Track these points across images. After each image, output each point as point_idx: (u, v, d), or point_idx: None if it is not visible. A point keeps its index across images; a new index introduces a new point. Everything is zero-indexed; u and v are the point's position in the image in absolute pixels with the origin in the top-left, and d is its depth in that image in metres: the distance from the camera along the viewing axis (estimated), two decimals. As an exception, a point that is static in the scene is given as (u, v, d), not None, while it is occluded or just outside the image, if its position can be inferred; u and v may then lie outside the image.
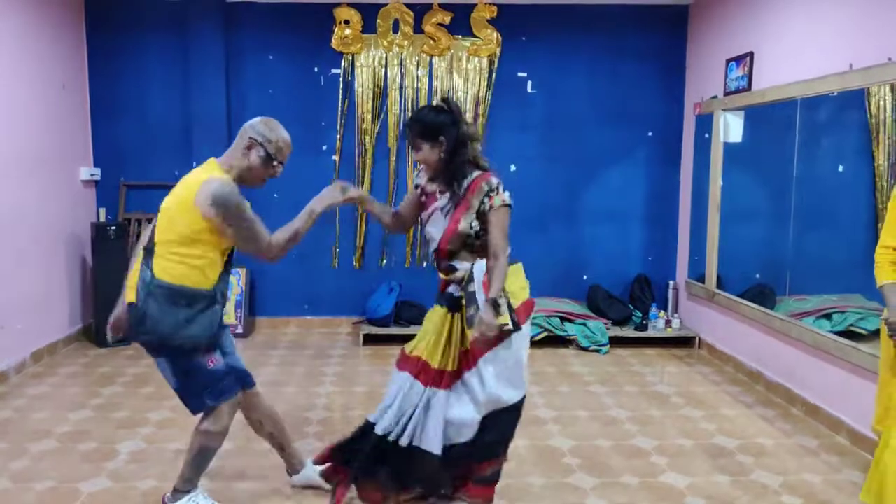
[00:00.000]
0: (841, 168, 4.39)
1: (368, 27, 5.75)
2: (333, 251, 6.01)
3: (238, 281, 5.83)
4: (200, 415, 2.78)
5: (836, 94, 3.95)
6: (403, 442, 2.71)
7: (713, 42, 5.40)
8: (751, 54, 4.78)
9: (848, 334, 3.90)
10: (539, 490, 3.19)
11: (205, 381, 2.69)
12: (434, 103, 2.77)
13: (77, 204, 5.63)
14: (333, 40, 5.75)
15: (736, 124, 5.12)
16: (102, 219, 5.83)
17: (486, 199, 2.66)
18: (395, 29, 5.77)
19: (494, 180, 2.69)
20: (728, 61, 5.08)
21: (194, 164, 5.63)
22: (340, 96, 5.84)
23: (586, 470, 3.39)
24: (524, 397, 2.83)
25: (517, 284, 2.81)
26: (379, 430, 2.75)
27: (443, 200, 2.76)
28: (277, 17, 5.78)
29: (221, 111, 5.74)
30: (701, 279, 5.50)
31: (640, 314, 5.79)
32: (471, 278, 2.68)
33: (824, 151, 4.42)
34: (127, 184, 5.90)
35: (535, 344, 5.47)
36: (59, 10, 5.36)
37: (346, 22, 5.71)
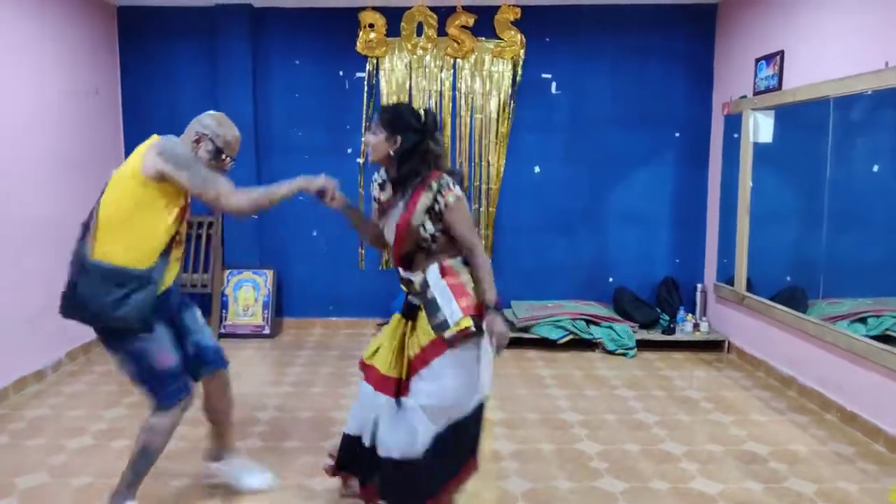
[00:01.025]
0: (876, 168, 4.29)
1: (393, 30, 5.75)
2: (359, 253, 6.03)
3: (265, 282, 5.90)
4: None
5: (870, 92, 3.86)
6: (372, 445, 2.69)
7: (742, 41, 5.33)
8: (781, 53, 4.70)
9: (884, 338, 3.80)
10: (566, 494, 3.16)
11: (157, 378, 2.70)
12: (416, 108, 2.69)
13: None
14: (358, 44, 5.76)
15: (766, 124, 5.04)
16: (133, 222, 5.90)
17: (438, 198, 2.55)
18: (420, 32, 5.77)
19: (446, 178, 2.58)
20: (757, 60, 5.00)
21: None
22: (365, 99, 5.85)
23: (614, 474, 3.35)
24: (481, 405, 2.68)
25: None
26: (348, 431, 2.78)
27: (395, 205, 2.66)
28: (303, 22, 5.83)
29: (248, 115, 5.80)
30: (730, 282, 5.41)
31: (667, 317, 5.72)
32: (426, 284, 2.60)
33: (858, 151, 4.32)
34: (155, 187, 5.97)
35: (560, 347, 5.45)
36: (92, 19, 5.47)
37: (371, 25, 5.72)
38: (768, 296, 4.95)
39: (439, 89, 5.84)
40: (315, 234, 6.00)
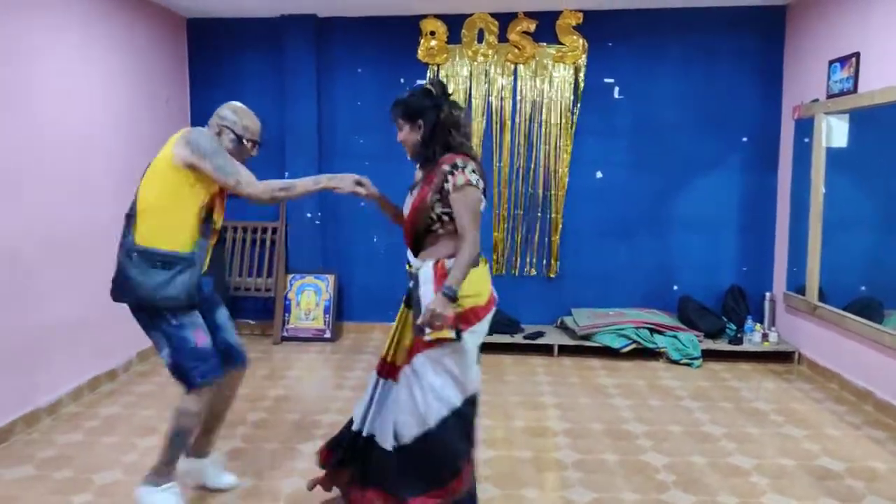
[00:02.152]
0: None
1: (454, 38, 5.79)
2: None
3: (327, 286, 5.98)
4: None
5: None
6: (365, 432, 2.73)
7: (813, 43, 5.16)
8: (857, 55, 4.54)
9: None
10: (632, 507, 3.10)
11: (193, 358, 2.78)
12: (424, 86, 2.71)
13: (177, 212, 5.89)
14: (419, 51, 5.82)
15: (840, 128, 4.86)
16: (199, 227, 6.07)
17: (449, 178, 2.55)
18: (480, 38, 5.78)
19: (461, 161, 2.58)
20: (831, 62, 4.84)
21: (286, 174, 5.87)
22: (426, 106, 5.88)
23: (682, 487, 3.26)
24: (458, 410, 2.60)
25: (471, 289, 2.56)
26: (354, 426, 2.83)
27: (419, 185, 2.71)
28: (366, 31, 5.91)
29: (313, 123, 5.92)
30: (801, 291, 5.23)
31: (734, 327, 5.57)
32: (418, 281, 2.58)
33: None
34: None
35: (623, 356, 5.37)
36: (164, 31, 5.68)
37: (432, 33, 5.77)
38: (841, 305, 4.77)
39: (500, 95, 5.83)
40: (375, 239, 6.06)
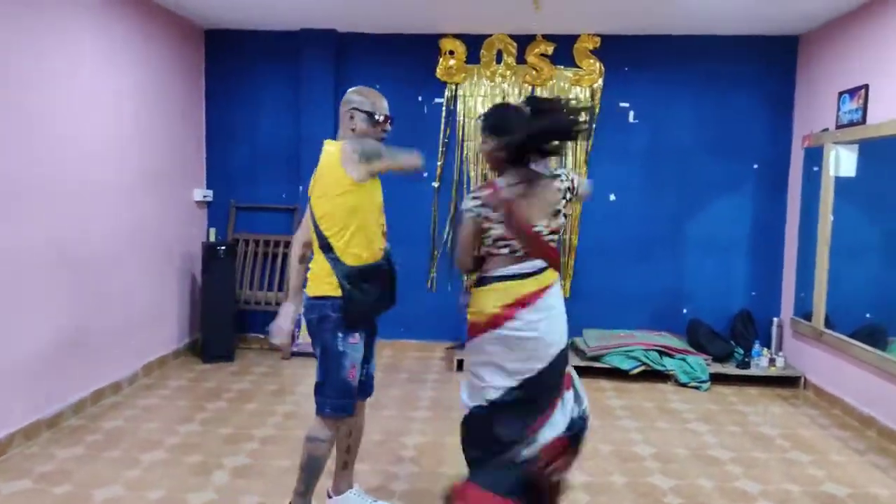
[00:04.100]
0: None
1: (472, 57, 5.88)
2: (430, 274, 6.12)
3: (338, 302, 6.00)
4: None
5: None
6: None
7: (824, 74, 5.25)
8: (866, 87, 4.63)
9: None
10: (642, 529, 3.15)
11: (335, 388, 2.78)
12: (515, 102, 2.78)
13: (190, 223, 5.95)
14: (438, 70, 5.90)
15: (848, 158, 4.95)
16: (212, 238, 6.13)
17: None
18: (499, 59, 5.87)
19: (480, 189, 2.70)
20: (841, 94, 4.92)
21: (301, 187, 5.94)
22: (443, 125, 5.97)
23: (690, 511, 3.32)
24: (467, 417, 2.76)
25: (489, 303, 2.68)
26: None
27: None
28: (385, 47, 5.98)
29: (329, 137, 5.90)
30: (807, 317, 5.30)
31: (741, 351, 5.63)
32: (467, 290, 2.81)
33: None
34: (237, 205, 6.20)
35: (632, 378, 5.42)
36: (181, 41, 5.71)
37: (451, 52, 5.86)
38: (847, 332, 4.83)
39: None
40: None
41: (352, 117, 2.87)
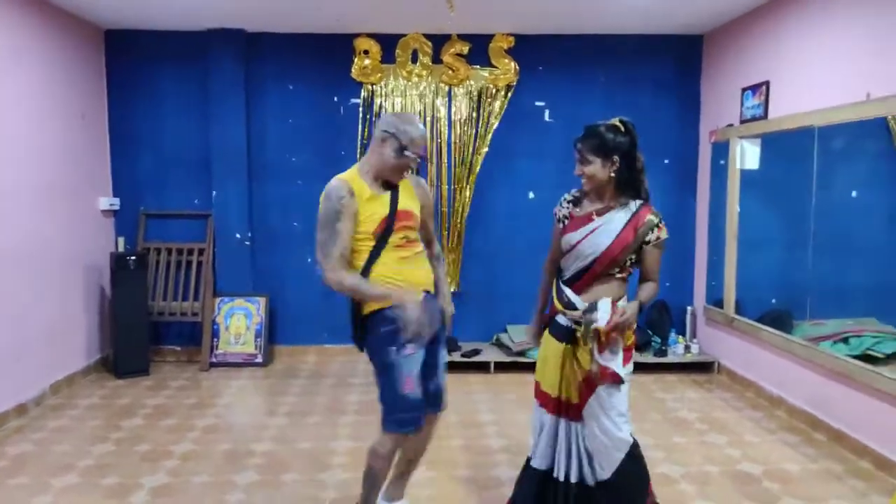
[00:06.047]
0: (854, 194, 4.44)
1: (388, 57, 5.83)
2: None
3: (258, 309, 5.86)
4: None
5: (855, 121, 3.99)
6: (574, 478, 2.76)
7: (728, 71, 5.48)
8: (767, 83, 4.85)
9: (865, 358, 3.93)
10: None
11: (393, 404, 2.70)
12: (611, 123, 2.73)
13: (96, 234, 5.66)
14: (353, 70, 5.83)
15: (752, 152, 5.17)
16: (122, 248, 5.85)
17: (654, 230, 2.72)
18: (415, 59, 5.85)
19: (657, 215, 2.74)
20: (743, 90, 5.15)
21: (214, 192, 5.75)
22: (360, 126, 5.90)
23: (618, 499, 3.38)
24: (631, 444, 2.76)
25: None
26: (535, 464, 2.84)
27: (606, 220, 2.73)
28: (298, 48, 5.86)
29: (241, 140, 5.80)
30: (719, 304, 5.52)
31: (659, 340, 5.81)
32: (594, 308, 2.63)
33: (841, 178, 4.46)
34: (147, 213, 5.95)
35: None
36: (79, 42, 5.44)
37: (366, 52, 5.79)
38: (755, 317, 5.06)
39: (435, 116, 5.90)
40: (310, 259, 5.99)
41: (384, 140, 2.74)
